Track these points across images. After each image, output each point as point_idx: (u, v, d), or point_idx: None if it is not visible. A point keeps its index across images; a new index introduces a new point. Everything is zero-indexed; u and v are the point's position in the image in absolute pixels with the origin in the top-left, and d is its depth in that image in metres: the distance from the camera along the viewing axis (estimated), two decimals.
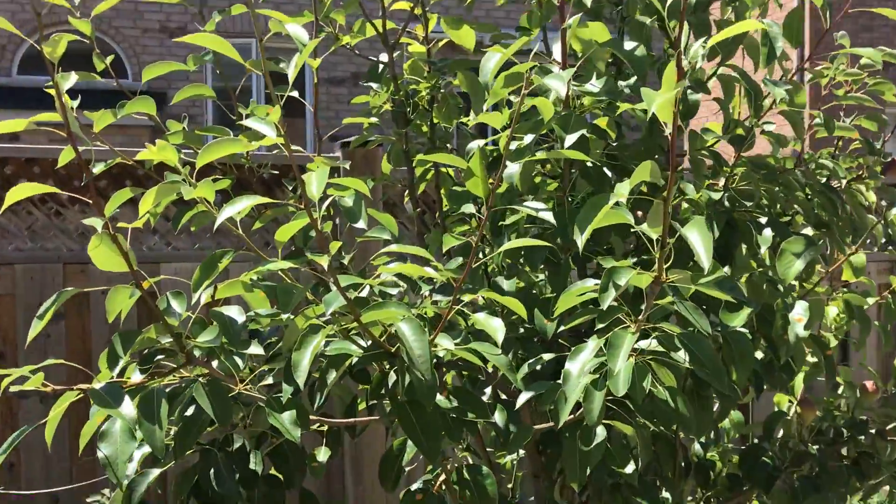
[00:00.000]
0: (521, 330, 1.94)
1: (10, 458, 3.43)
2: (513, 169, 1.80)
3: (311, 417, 1.70)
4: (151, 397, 1.39)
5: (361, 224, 1.72)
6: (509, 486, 2.43)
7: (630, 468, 1.66)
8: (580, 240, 1.39)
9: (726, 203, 1.96)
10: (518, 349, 1.84)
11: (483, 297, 1.67)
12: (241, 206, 1.36)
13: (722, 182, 2.08)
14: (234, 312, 1.48)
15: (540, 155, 1.58)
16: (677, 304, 1.52)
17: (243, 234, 1.50)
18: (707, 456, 2.44)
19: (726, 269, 1.94)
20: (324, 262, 1.39)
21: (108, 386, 1.33)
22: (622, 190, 1.41)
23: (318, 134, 2.22)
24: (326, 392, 1.51)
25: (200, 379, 1.49)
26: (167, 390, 1.49)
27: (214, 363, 1.61)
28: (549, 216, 1.50)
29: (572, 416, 1.57)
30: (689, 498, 2.58)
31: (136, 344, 1.46)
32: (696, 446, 2.46)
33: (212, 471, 1.68)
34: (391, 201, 3.96)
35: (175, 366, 1.51)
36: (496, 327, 1.48)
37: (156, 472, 1.69)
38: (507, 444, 1.76)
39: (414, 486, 1.93)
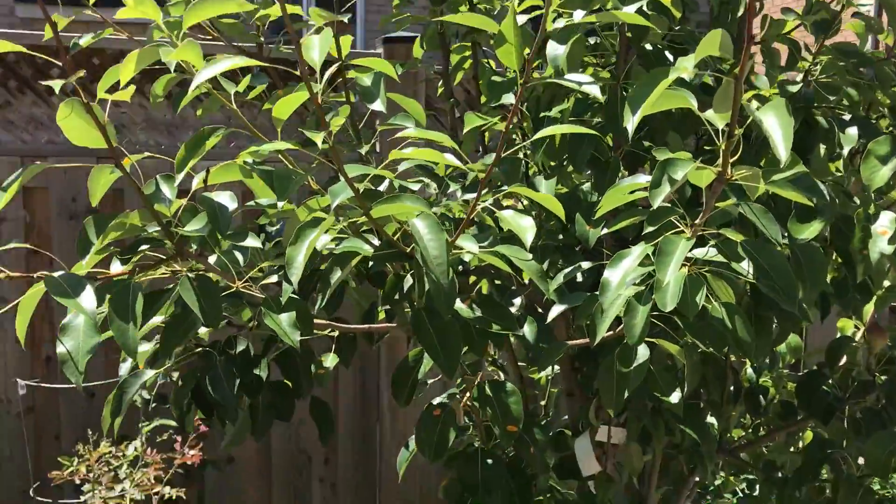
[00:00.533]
0: (561, 237, 1.69)
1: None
2: (558, 50, 1.52)
3: (320, 322, 1.50)
4: (126, 291, 1.19)
5: (378, 106, 1.48)
6: (542, 402, 2.23)
7: (675, 396, 1.42)
8: (631, 123, 1.13)
9: (804, 99, 1.67)
10: (556, 258, 1.60)
11: (518, 198, 1.43)
12: (222, 67, 1.12)
13: (800, 76, 1.78)
14: (225, 198, 1.26)
15: (588, 18, 1.31)
16: (742, 206, 1.26)
17: (235, 108, 1.27)
18: (760, 381, 2.19)
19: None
20: (318, 139, 1.15)
21: (68, 274, 1.12)
22: (685, 64, 1.14)
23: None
24: (329, 293, 1.29)
25: (189, 274, 1.28)
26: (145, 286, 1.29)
27: (212, 258, 1.40)
28: (594, 90, 1.23)
29: (611, 332, 1.34)
30: (738, 425, 2.35)
31: (112, 230, 1.25)
32: (749, 370, 2.21)
33: (208, 375, 1.49)
34: (435, 106, 3.69)
35: (163, 258, 1.30)
36: (525, 226, 1.24)
37: (150, 373, 1.51)
38: (537, 360, 1.54)
39: (437, 400, 1.73)
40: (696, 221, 1.29)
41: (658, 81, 1.11)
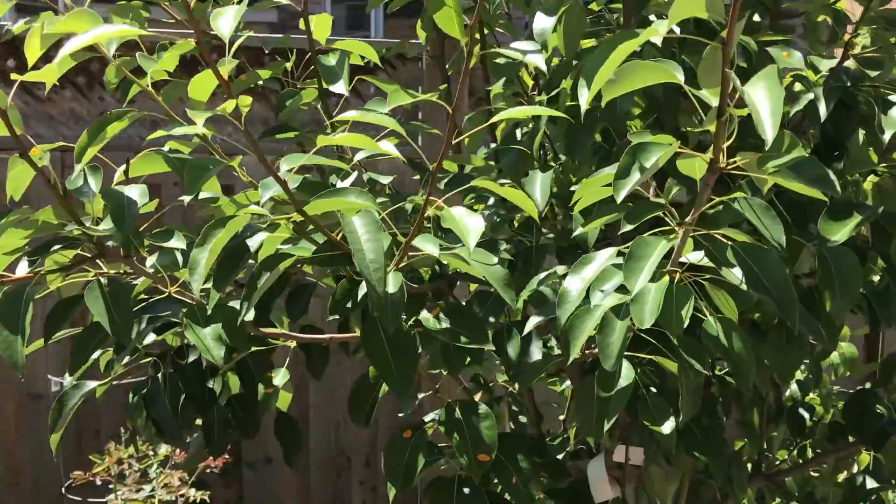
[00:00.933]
0: (551, 236, 1.48)
1: None
2: (545, 23, 1.30)
3: (270, 331, 1.32)
4: (17, 299, 1.03)
5: (340, 88, 1.30)
6: (561, 417, 2.00)
7: (668, 426, 1.19)
8: (584, 98, 0.91)
9: (842, 77, 1.41)
10: (535, 259, 1.39)
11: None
12: (96, 33, 0.93)
13: (840, 51, 1.52)
14: (134, 192, 1.09)
15: None
16: (739, 201, 1.02)
17: (151, 91, 1.09)
18: (805, 399, 1.92)
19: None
20: (229, 107, 0.97)
21: None
22: (657, 26, 0.92)
23: None
24: (254, 301, 1.11)
25: (102, 279, 1.12)
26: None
27: (150, 260, 1.24)
28: (537, 60, 1.01)
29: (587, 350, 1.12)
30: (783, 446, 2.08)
31: (21, 228, 1.10)
32: (794, 386, 1.94)
33: (147, 390, 1.33)
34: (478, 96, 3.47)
35: (73, 261, 1.14)
36: (468, 227, 1.02)
37: (92, 384, 1.36)
38: (517, 377, 1.33)
39: (428, 417, 1.53)
40: (686, 219, 1.06)
41: (617, 46, 0.88)
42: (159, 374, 1.33)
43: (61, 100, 3.33)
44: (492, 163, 1.67)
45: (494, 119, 1.10)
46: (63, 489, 3.06)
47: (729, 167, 1.01)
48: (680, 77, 0.98)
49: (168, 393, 1.30)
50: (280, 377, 1.32)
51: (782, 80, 0.87)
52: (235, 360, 1.38)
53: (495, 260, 1.14)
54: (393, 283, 1.12)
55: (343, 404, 3.58)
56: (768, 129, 0.83)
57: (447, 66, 1.87)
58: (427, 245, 1.16)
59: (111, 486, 2.87)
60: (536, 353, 1.34)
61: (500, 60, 1.61)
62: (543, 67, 1.04)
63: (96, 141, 1.03)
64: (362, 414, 1.33)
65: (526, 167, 1.57)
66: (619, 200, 0.93)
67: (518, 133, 1.68)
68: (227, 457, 2.94)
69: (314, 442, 3.44)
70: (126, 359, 1.39)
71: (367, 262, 1.04)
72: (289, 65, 1.60)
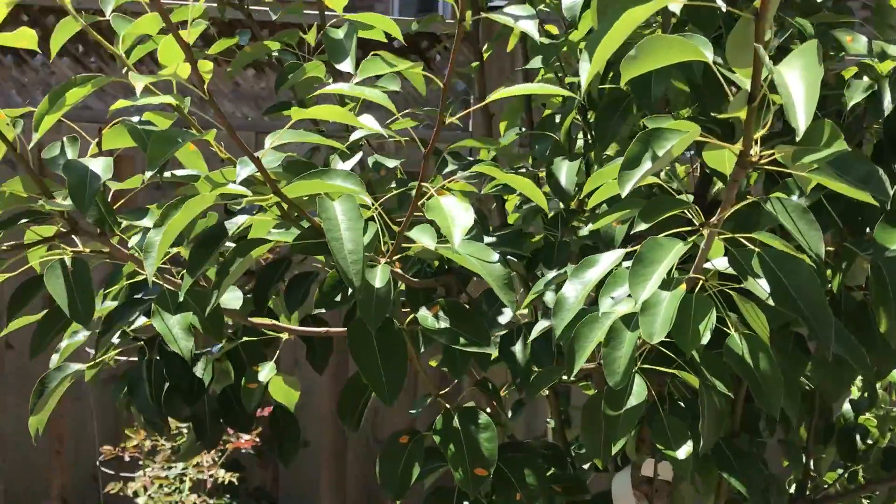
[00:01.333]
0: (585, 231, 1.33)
1: None
2: None
3: (260, 322, 1.21)
4: None
5: (346, 65, 1.18)
6: None
7: (684, 451, 1.04)
8: (584, 75, 0.77)
9: None
10: (552, 257, 1.24)
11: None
12: None
13: None
14: (98, 165, 0.99)
15: None
16: (771, 200, 0.87)
17: (119, 53, 0.98)
18: (859, 420, 1.74)
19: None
20: (139, 82, 0.85)
21: None
22: None
23: None
24: (224, 288, 1.00)
25: (66, 258, 1.03)
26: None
27: (134, 240, 1.14)
28: (529, 26, 0.86)
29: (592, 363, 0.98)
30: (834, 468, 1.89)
31: None
32: (846, 405, 1.76)
33: (129, 378, 1.24)
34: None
35: (46, 237, 1.05)
36: (455, 220, 0.89)
37: (75, 367, 1.27)
38: (524, 385, 1.20)
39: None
40: (712, 220, 0.91)
41: (623, 12, 0.74)
42: (145, 360, 1.23)
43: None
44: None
45: (490, 99, 0.97)
46: (98, 462, 3.04)
47: (762, 161, 0.85)
48: (708, 54, 0.83)
49: (149, 381, 1.20)
50: (266, 372, 1.21)
51: (820, 58, 0.71)
52: (224, 349, 1.27)
53: (495, 257, 1.00)
54: (380, 277, 1.00)
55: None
56: (801, 116, 0.68)
57: (483, 47, 1.74)
58: (422, 236, 1.03)
59: (140, 463, 2.84)
60: (548, 361, 1.20)
61: (545, 40, 1.47)
62: (536, 35, 0.90)
63: (55, 108, 0.94)
64: (353, 417, 1.21)
65: (556, 155, 1.43)
66: (623, 194, 0.79)
67: (557, 118, 1.54)
68: (256, 440, 2.87)
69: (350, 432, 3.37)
70: (117, 341, 1.31)
71: (344, 252, 0.92)
72: (311, 37, 1.49)
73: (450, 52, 2.78)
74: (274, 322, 1.21)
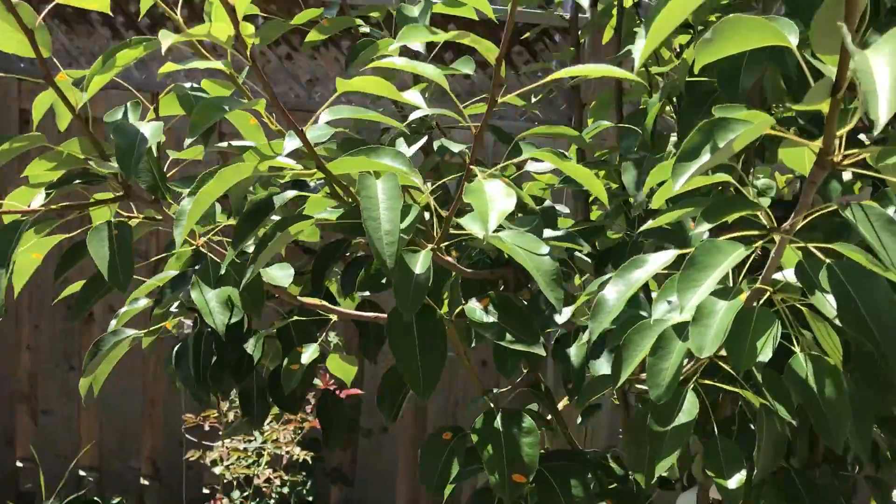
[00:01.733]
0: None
1: None
2: None
3: (309, 302, 1.17)
4: (11, 232, 0.94)
5: (418, 45, 1.13)
6: None
7: (735, 480, 0.93)
8: (637, 53, 0.68)
9: None
10: (622, 256, 1.16)
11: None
12: None
13: None
14: (148, 129, 0.96)
15: None
16: (852, 207, 0.76)
17: (175, 16, 0.95)
18: None
19: None
20: (200, 31, 0.81)
21: None
22: None
23: None
24: (260, 263, 0.96)
25: (113, 221, 1.01)
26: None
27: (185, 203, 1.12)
28: None
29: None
30: None
31: (44, 160, 1.00)
32: None
33: (176, 349, 1.22)
34: None
35: (99, 200, 1.04)
36: (492, 204, 0.82)
37: (131, 332, 1.27)
38: (576, 392, 1.11)
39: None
40: (784, 225, 0.81)
41: None
42: (194, 333, 1.22)
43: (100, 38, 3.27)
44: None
45: (550, 78, 0.89)
46: (183, 428, 3.11)
47: (846, 162, 0.75)
48: (793, 39, 0.74)
49: (194, 354, 1.19)
50: (310, 353, 1.18)
51: None
52: (276, 326, 1.24)
53: (544, 249, 0.93)
54: (421, 262, 0.94)
55: (464, 383, 3.45)
56: (882, 107, 0.58)
57: (580, 32, 1.65)
58: (472, 223, 0.97)
59: (220, 433, 2.88)
60: (605, 367, 1.12)
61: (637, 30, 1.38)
62: (586, 4, 0.82)
63: (105, 68, 0.92)
64: (392, 408, 1.16)
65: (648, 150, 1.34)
66: (675, 187, 0.70)
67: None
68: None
69: (432, 413, 3.33)
70: (175, 309, 1.30)
71: (381, 233, 0.86)
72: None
73: (554, 41, 2.69)
74: (323, 303, 1.17)
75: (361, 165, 0.92)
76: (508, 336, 1.02)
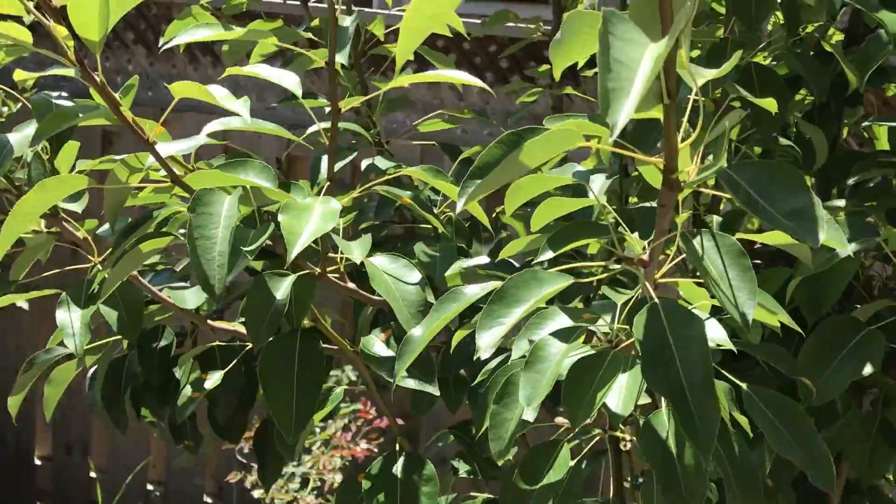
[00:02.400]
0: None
1: None
2: None
3: (219, 325, 1.11)
4: None
5: (341, 56, 1.07)
6: None
7: None
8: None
9: None
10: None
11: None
12: None
13: None
14: (16, 138, 0.93)
15: None
16: (702, 236, 0.63)
17: None
18: None
19: None
20: None
21: None
22: None
23: None
24: (110, 284, 0.90)
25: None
26: None
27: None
28: None
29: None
30: None
31: None
32: None
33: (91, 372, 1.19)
34: None
35: None
36: (306, 223, 0.72)
37: (62, 350, 1.24)
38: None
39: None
40: (636, 256, 0.68)
41: None
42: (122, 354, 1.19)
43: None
44: None
45: (389, 85, 0.80)
46: (237, 448, 3.12)
47: (699, 177, 0.62)
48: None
49: (106, 377, 1.15)
50: (214, 380, 1.12)
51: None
52: (196, 351, 1.19)
53: (413, 277, 0.84)
54: (284, 288, 0.87)
55: (439, 414, 3.29)
56: (629, 105, 0.45)
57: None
58: (353, 248, 0.89)
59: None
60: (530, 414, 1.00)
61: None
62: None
63: None
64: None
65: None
66: (459, 207, 0.60)
67: None
68: (374, 450, 2.80)
69: None
70: None
71: (213, 253, 0.79)
72: (377, 29, 1.39)
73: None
74: (233, 326, 1.11)
75: (217, 180, 0.86)
76: (403, 372, 0.93)
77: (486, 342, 0.64)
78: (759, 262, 1.09)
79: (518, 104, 1.57)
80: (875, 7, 0.93)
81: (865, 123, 1.17)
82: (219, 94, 0.80)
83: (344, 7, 1.30)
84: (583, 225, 0.72)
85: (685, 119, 0.65)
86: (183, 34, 0.79)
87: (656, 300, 0.62)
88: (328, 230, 0.75)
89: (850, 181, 1.24)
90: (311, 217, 0.74)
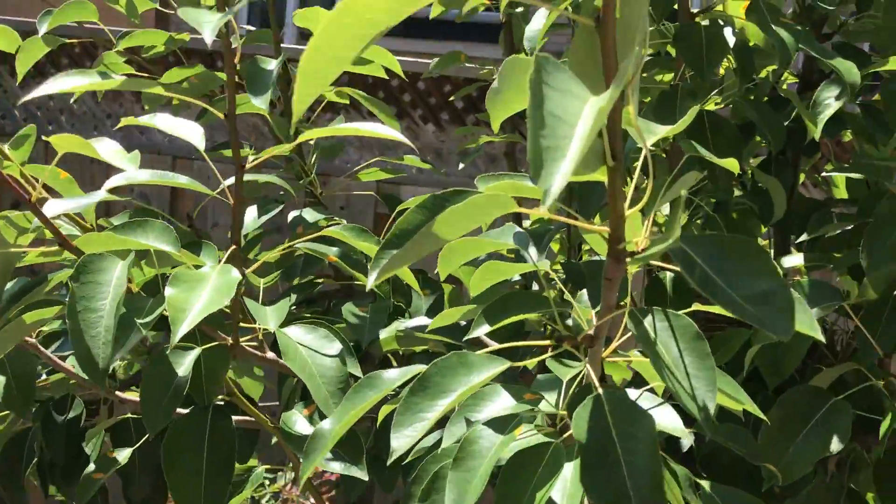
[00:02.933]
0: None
1: None
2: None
3: (119, 395, 1.00)
4: None
5: (261, 101, 0.98)
6: None
7: None
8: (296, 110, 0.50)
9: None
10: None
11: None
12: None
13: None
14: None
15: None
16: (654, 315, 0.54)
17: None
18: None
19: None
20: None
21: None
22: None
23: None
24: (115, 358, 0.78)
25: None
26: None
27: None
28: None
29: None
30: None
31: None
32: None
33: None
34: None
35: None
36: (195, 299, 0.63)
37: None
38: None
39: None
40: (581, 334, 0.59)
41: None
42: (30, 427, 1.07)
43: None
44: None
45: (300, 140, 0.71)
46: None
47: (645, 253, 0.54)
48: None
49: (12, 452, 1.03)
50: (123, 457, 1.00)
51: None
52: (108, 424, 1.08)
53: (334, 349, 0.74)
54: (188, 363, 0.76)
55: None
56: (553, 179, 0.37)
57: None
58: (269, 315, 0.79)
59: None
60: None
61: None
62: None
63: None
64: None
65: None
66: (369, 285, 0.51)
67: None
68: None
69: None
70: None
71: (99, 328, 0.69)
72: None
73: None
74: (125, 396, 0.99)
75: (110, 243, 0.75)
76: (328, 454, 0.83)
77: (402, 443, 0.55)
78: (713, 322, 1.01)
79: (472, 147, 1.49)
80: (830, 55, 0.86)
81: (824, 174, 1.10)
82: (105, 149, 0.70)
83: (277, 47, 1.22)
84: (522, 296, 0.63)
85: (634, 179, 0.57)
86: (48, 84, 0.69)
87: (600, 391, 0.53)
88: (223, 305, 0.65)
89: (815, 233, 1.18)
90: (204, 290, 0.65)
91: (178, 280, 0.66)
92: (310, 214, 1.05)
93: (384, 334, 0.98)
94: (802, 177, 1.40)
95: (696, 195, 1.05)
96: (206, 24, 0.74)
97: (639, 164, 0.56)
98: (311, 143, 1.16)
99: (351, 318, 0.94)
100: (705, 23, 0.90)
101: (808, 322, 0.53)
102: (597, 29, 0.49)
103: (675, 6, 0.96)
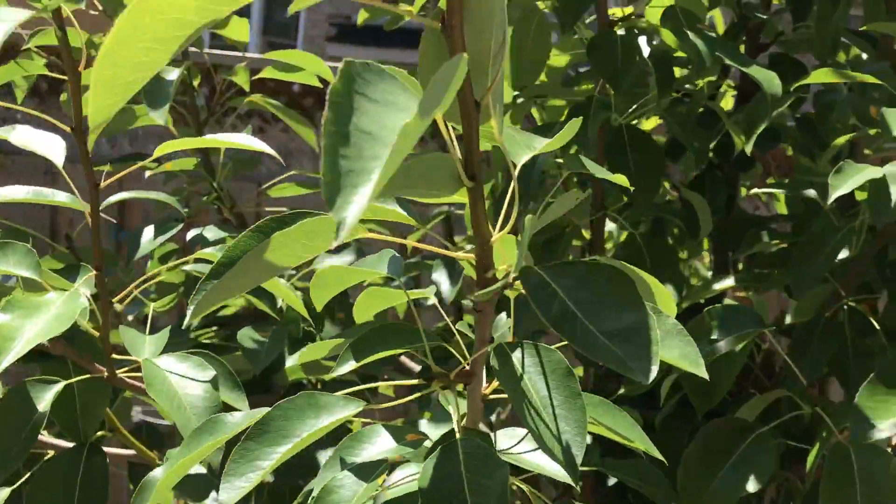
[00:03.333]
0: None
1: None
2: None
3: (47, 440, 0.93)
4: None
5: (159, 115, 0.93)
6: None
7: None
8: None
9: None
10: None
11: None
12: None
13: None
14: None
15: None
16: (524, 350, 0.49)
17: None
18: None
19: None
20: None
21: None
22: None
23: None
24: None
25: None
26: None
27: None
28: None
29: None
30: None
31: None
32: None
33: None
34: None
35: None
36: (29, 323, 0.57)
37: None
38: None
39: None
40: (461, 371, 0.54)
41: None
42: None
43: None
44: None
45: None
46: None
47: (497, 286, 0.49)
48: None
49: None
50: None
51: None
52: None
53: (206, 375, 0.68)
54: (49, 399, 0.70)
55: None
56: (349, 209, 0.32)
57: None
58: (138, 345, 0.73)
59: None
60: None
61: None
62: None
63: None
64: None
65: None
66: (188, 322, 0.45)
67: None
68: None
69: None
70: None
71: None
72: (244, 79, 1.24)
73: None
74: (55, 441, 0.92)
75: None
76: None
77: (232, 496, 0.49)
78: None
79: None
80: (748, 63, 0.82)
81: (755, 191, 1.06)
82: None
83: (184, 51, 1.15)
84: (392, 329, 0.57)
85: (507, 197, 0.51)
86: None
87: (457, 436, 0.47)
88: (60, 332, 0.59)
89: (746, 252, 1.14)
90: (41, 318, 0.59)
91: (11, 306, 0.60)
92: (211, 233, 0.98)
93: (290, 362, 0.92)
94: (744, 191, 1.36)
95: (622, 213, 1.00)
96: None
97: (513, 183, 0.51)
98: (221, 157, 1.10)
99: (248, 343, 0.88)
100: (622, 32, 0.85)
101: (692, 357, 0.48)
102: (442, 33, 0.44)
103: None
